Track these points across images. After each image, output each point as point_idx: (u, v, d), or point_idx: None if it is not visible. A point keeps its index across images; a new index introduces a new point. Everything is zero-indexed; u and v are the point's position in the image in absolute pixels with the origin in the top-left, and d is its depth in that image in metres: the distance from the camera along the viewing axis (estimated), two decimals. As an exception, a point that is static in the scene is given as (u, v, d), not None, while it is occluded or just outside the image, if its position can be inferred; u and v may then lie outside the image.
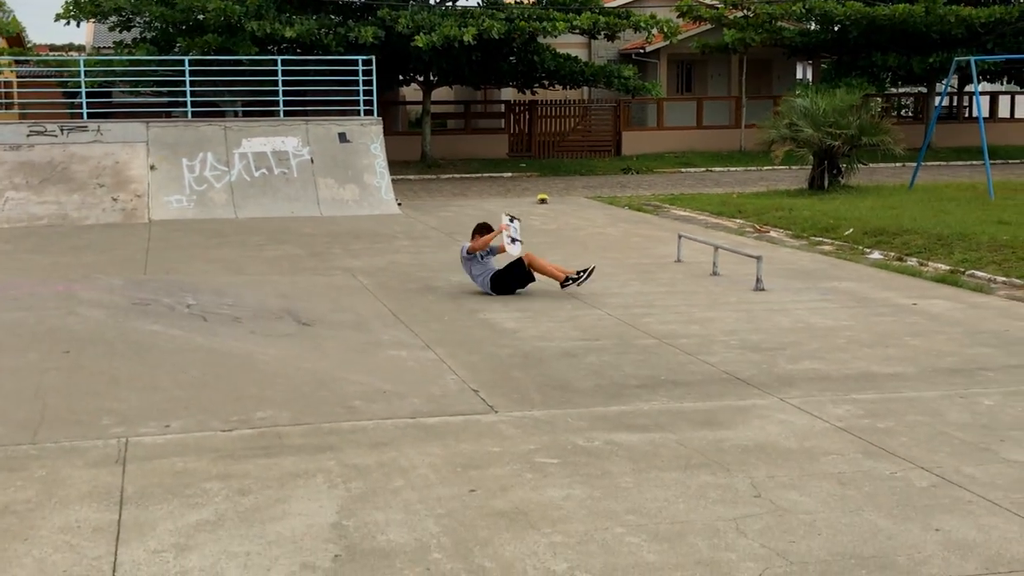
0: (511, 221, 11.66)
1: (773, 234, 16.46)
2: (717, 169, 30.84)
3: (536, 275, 11.60)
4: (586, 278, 11.57)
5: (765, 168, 30.13)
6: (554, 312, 10.56)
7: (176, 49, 27.20)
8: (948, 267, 12.96)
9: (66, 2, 26.78)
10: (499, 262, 11.68)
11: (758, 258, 11.96)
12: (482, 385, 7.89)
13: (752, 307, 10.75)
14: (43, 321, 9.99)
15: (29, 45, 34.90)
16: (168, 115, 25.50)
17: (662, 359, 8.64)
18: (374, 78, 21.28)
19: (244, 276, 12.80)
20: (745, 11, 32.67)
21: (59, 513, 5.47)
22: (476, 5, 29.81)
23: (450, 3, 30.32)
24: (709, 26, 33.97)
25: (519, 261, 11.47)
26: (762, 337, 9.41)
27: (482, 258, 11.60)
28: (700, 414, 7.15)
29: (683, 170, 30.76)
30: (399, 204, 20.21)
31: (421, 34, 25.89)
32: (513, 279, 11.53)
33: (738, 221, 18.02)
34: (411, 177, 27.86)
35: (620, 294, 11.47)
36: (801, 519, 5.36)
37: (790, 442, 6.56)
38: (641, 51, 35.74)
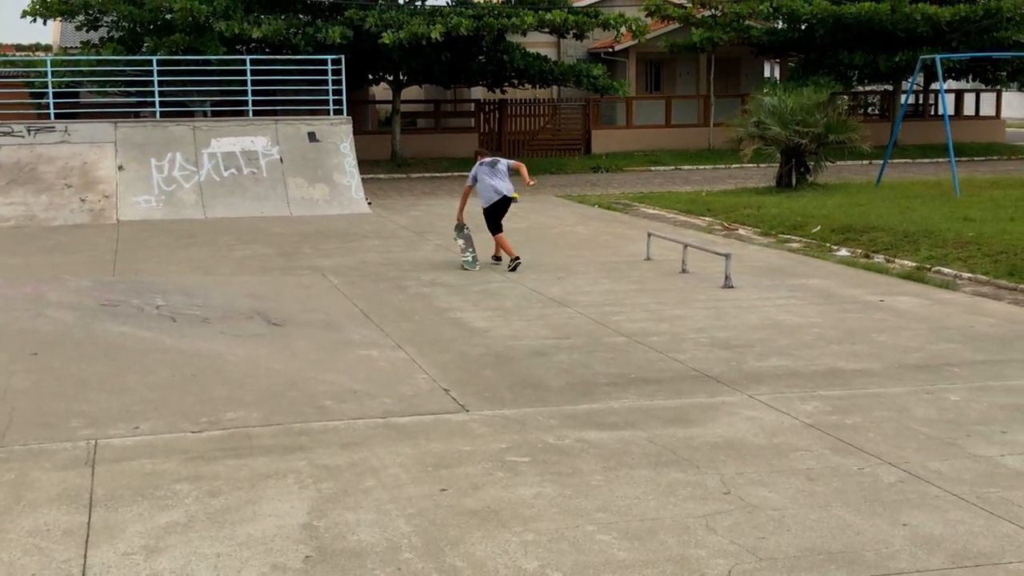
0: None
1: (742, 232, 16.53)
2: (686, 167, 30.94)
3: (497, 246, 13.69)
4: (516, 264, 13.17)
5: (734, 166, 30.25)
6: (525, 311, 10.57)
7: (144, 49, 26.99)
8: (915, 264, 13.07)
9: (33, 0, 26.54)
10: (501, 191, 13.54)
11: (727, 256, 12.01)
12: (453, 384, 7.89)
13: (721, 305, 10.80)
14: (11, 323, 9.90)
15: (-6, 44, 34.52)
16: (136, 115, 25.32)
17: (632, 357, 8.67)
18: (343, 77, 21.23)
19: (213, 276, 12.73)
20: (713, 10, 32.77)
21: (28, 516, 5.43)
22: (445, 4, 29.76)
23: (419, 3, 30.26)
24: (677, 25, 34.06)
25: (504, 206, 13.66)
26: (731, 334, 9.46)
27: (504, 175, 13.65)
28: (670, 411, 7.17)
29: (652, 168, 30.85)
30: (369, 203, 20.16)
31: (389, 32, 25.84)
32: (493, 218, 13.65)
33: (707, 219, 18.09)
34: (381, 176, 27.79)
35: (590, 292, 11.50)
36: (770, 515, 5.40)
37: (759, 439, 6.59)
38: (610, 50, 35.79)
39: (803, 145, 21.67)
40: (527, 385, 7.87)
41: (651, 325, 9.85)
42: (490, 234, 13.77)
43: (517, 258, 13.25)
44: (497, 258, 13.79)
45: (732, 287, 11.68)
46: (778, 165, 22.81)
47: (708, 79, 35.07)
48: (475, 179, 13.69)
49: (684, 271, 12.73)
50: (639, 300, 11.07)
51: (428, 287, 11.93)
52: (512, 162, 13.89)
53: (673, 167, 31.04)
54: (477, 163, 13.78)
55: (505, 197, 13.59)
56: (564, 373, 8.20)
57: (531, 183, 14.20)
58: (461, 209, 13.97)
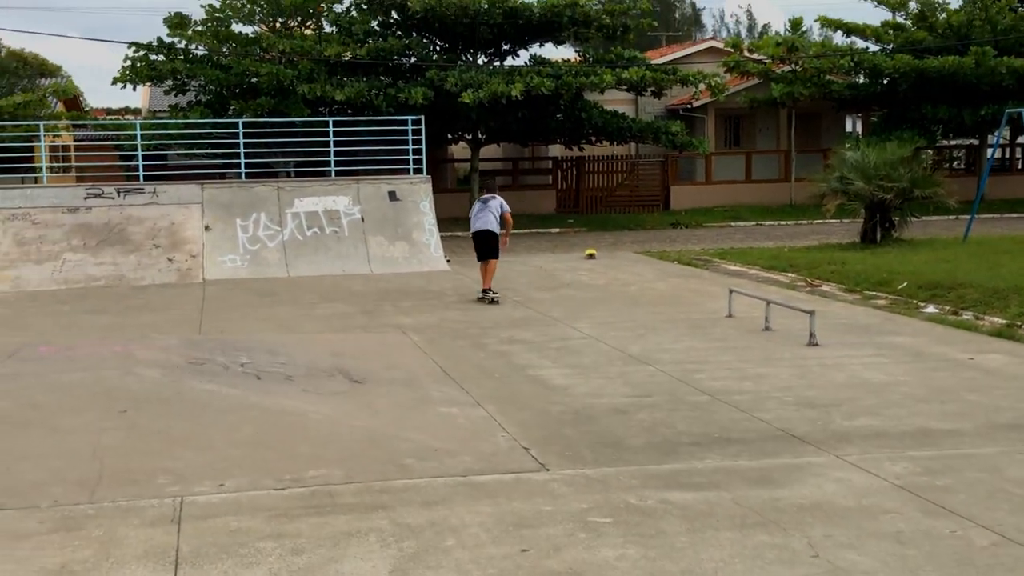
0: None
1: (826, 288, 16.35)
2: (767, 223, 30.73)
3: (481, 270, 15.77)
4: (490, 298, 15.21)
5: (816, 221, 29.99)
6: (605, 368, 10.55)
7: (230, 112, 27.72)
8: (1004, 321, 12.78)
9: (123, 67, 27.48)
10: (475, 226, 15.66)
11: (811, 313, 11.88)
12: (533, 443, 7.88)
13: (806, 363, 10.68)
14: (101, 381, 10.14)
15: (86, 109, 35.69)
16: (223, 177, 25.92)
17: (715, 416, 8.59)
18: (423, 137, 21.55)
19: (297, 334, 12.92)
20: (793, 65, 32.73)
21: (116, 573, 5.52)
22: (524, 64, 30.12)
23: (497, 63, 30.68)
24: (757, 80, 34.05)
25: (484, 239, 15.64)
26: (817, 393, 9.33)
27: (491, 212, 15.62)
28: (755, 472, 7.08)
29: (733, 224, 30.68)
30: (448, 261, 20.34)
31: (469, 91, 26.21)
32: (480, 247, 15.73)
33: (790, 275, 17.93)
34: (460, 234, 27.99)
35: (671, 350, 11.44)
36: (860, 579, 5.28)
37: (847, 500, 6.47)
38: (688, 106, 35.88)
39: (887, 200, 21.41)
40: (608, 444, 7.83)
41: (734, 383, 9.76)
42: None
43: (488, 290, 15.36)
44: (485, 291, 15.48)
45: (817, 345, 11.54)
46: (862, 220, 22.55)
47: (789, 134, 34.93)
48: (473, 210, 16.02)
49: (767, 328, 12.62)
50: (721, 358, 10.98)
51: (507, 344, 11.97)
52: (505, 209, 15.76)
53: (754, 223, 30.86)
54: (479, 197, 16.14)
55: (482, 232, 15.62)
56: (646, 432, 8.15)
57: (504, 243, 15.99)
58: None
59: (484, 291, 15.59)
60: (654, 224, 30.66)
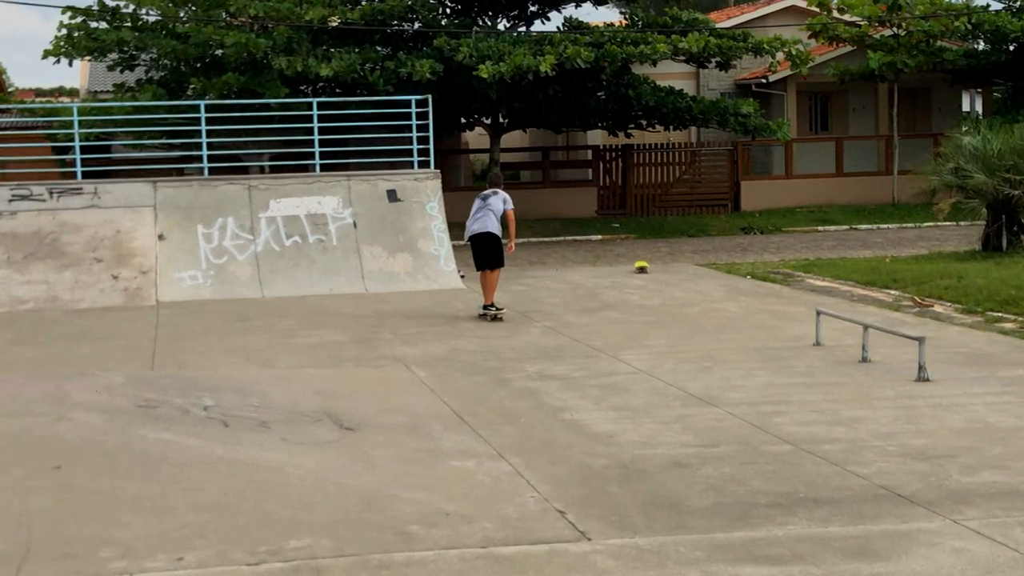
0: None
1: (938, 309, 16.30)
2: (863, 227, 30.67)
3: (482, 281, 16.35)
4: (492, 314, 15.91)
5: (925, 225, 29.90)
6: (660, 410, 10.54)
7: (189, 92, 27.87)
8: None
9: (57, 37, 27.65)
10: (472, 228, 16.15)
11: (920, 340, 11.84)
12: (570, 504, 7.87)
13: (914, 403, 10.64)
14: (29, 429, 10.18)
15: (11, 89, 36.07)
16: (180, 173, 26.04)
17: (800, 470, 8.57)
18: (430, 121, 21.57)
19: (273, 370, 12.97)
20: (895, 29, 32.68)
21: (48, 669, 5.53)
22: (556, 30, 30.15)
23: (523, 29, 30.72)
24: (850, 48, 34.00)
25: (485, 244, 16.09)
26: (928, 441, 9.29)
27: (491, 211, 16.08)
28: (850, 541, 7.06)
29: (820, 229, 30.64)
30: (462, 276, 20.37)
31: (487, 64, 26.15)
32: (480, 253, 16.18)
33: (893, 293, 17.89)
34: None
35: (743, 387, 11.42)
36: (985, 678, 5.24)
37: (968, 577, 6.44)
38: (763, 81, 35.88)
39: (1015, 197, 21.32)
40: (664, 506, 7.82)
41: (823, 429, 9.74)
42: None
43: (491, 306, 16.04)
44: (487, 307, 16.14)
45: (927, 380, 11.50)
46: (983, 223, 22.46)
47: (890, 115, 34.83)
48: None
49: (865, 360, 12.59)
50: (807, 397, 10.96)
51: (536, 380, 11.98)
52: (508, 206, 16.27)
53: (847, 227, 30.82)
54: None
55: (482, 235, 16.09)
56: (712, 491, 8.13)
57: (510, 250, 16.61)
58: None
59: (485, 307, 16.18)
60: (720, 229, 30.65)
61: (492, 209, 16.20)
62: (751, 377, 11.94)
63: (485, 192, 16.57)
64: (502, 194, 16.41)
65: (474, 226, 16.21)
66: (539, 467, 8.79)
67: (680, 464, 8.81)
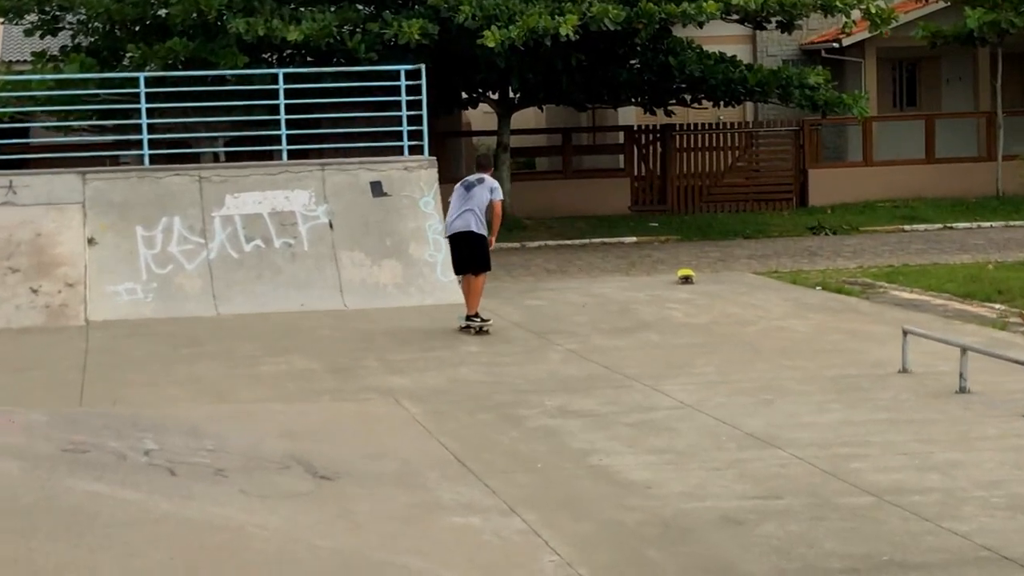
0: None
1: (1054, 327, 16.37)
2: (960, 225, 30.62)
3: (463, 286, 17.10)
4: (477, 326, 16.47)
5: (1039, 222, 29.90)
6: (709, 454, 10.61)
7: (126, 61, 27.85)
8: None
9: (-41, -6, 27.75)
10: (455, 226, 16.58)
11: (1030, 366, 11.95)
12: (597, 571, 7.93)
13: None
14: (-69, 478, 10.26)
15: (-97, 59, 36.17)
16: (115, 162, 26.02)
17: (883, 528, 8.62)
18: (423, 97, 21.54)
19: (231, 405, 13.03)
20: (1000, -21, 32.67)
21: None
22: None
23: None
24: (942, 4, 33.98)
25: (466, 244, 16.46)
26: (1040, 491, 9.39)
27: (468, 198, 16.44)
28: (942, 613, 7.15)
29: (906, 228, 30.60)
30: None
31: (493, 28, 26.11)
32: (461, 253, 16.65)
33: (997, 307, 17.92)
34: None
35: (813, 425, 11.48)
36: None
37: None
38: (835, 45, 35.79)
39: None
40: (716, 571, 7.90)
41: (912, 477, 9.80)
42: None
43: (475, 316, 16.63)
44: (471, 317, 16.73)
45: (1040, 415, 11.60)
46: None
47: (993, 87, 34.81)
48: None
49: (963, 390, 12.63)
50: (891, 437, 11.02)
51: (556, 418, 12.04)
52: (496, 196, 16.63)
53: (939, 225, 30.75)
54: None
55: (462, 235, 16.54)
56: (774, 553, 8.20)
57: (491, 244, 16.85)
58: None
59: (469, 317, 16.80)
60: (783, 228, 30.62)
61: (476, 203, 16.53)
62: (822, 412, 11.99)
63: (469, 179, 16.84)
64: (489, 181, 16.63)
65: (455, 223, 16.65)
66: (560, 524, 8.84)
67: (734, 521, 8.86)
